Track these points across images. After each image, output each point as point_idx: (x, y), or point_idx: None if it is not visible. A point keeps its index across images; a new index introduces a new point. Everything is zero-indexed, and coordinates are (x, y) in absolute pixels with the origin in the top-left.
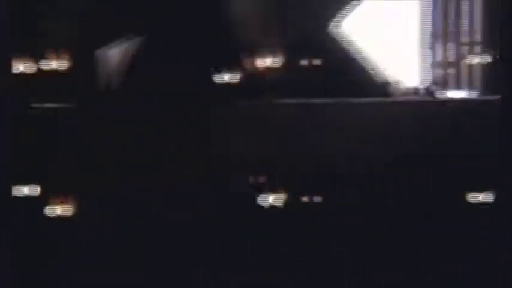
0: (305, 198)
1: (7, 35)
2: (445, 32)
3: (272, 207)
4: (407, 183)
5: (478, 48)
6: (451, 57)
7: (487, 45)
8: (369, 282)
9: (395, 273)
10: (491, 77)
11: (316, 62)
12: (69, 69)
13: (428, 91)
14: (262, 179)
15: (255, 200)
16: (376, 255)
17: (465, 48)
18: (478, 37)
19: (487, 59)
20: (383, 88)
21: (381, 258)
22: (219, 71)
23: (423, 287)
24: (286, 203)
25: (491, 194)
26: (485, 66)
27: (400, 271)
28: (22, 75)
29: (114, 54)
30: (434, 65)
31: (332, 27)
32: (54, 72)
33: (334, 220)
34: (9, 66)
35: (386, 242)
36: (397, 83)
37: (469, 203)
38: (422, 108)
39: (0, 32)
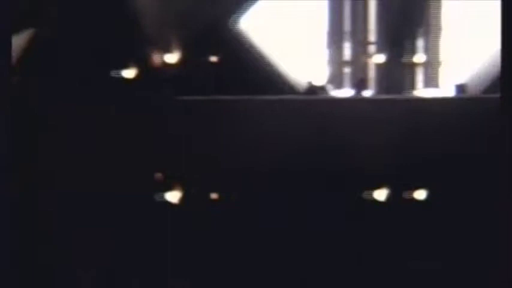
0: (205, 196)
1: None
2: (344, 31)
3: (171, 204)
4: (311, 181)
5: (376, 48)
6: (350, 56)
7: (384, 45)
8: (270, 278)
9: (296, 273)
10: (388, 76)
11: (217, 59)
12: None
13: (325, 89)
14: (161, 176)
15: (155, 196)
16: (280, 254)
17: (364, 48)
18: (376, 37)
19: (384, 58)
20: (284, 86)
21: (285, 257)
22: (119, 66)
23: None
24: (186, 200)
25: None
26: (381, 66)
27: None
28: None
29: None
30: (333, 63)
31: (233, 24)
32: None
33: (234, 217)
34: None
35: (290, 240)
36: (306, 83)
37: (365, 199)
38: (326, 105)
39: None
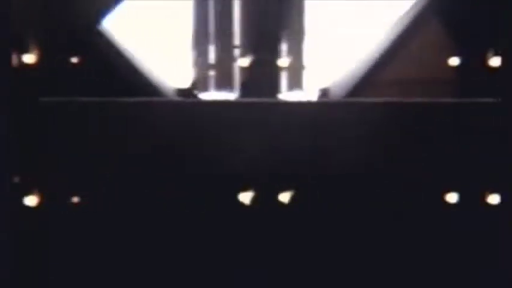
0: (67, 199)
1: None
2: (210, 34)
3: (32, 207)
4: (178, 184)
5: (240, 51)
6: (216, 59)
7: (248, 47)
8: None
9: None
10: (253, 79)
11: (78, 59)
12: None
13: (189, 91)
14: (22, 179)
15: (17, 200)
16: (144, 257)
17: (230, 51)
18: (240, 40)
19: (249, 61)
20: (149, 87)
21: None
22: None
23: None
24: (45, 203)
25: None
26: (246, 68)
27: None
28: None
29: None
30: (198, 66)
31: (97, 25)
32: None
33: (96, 220)
34: None
35: (153, 243)
36: (173, 85)
37: (241, 203)
38: (193, 108)
39: None
